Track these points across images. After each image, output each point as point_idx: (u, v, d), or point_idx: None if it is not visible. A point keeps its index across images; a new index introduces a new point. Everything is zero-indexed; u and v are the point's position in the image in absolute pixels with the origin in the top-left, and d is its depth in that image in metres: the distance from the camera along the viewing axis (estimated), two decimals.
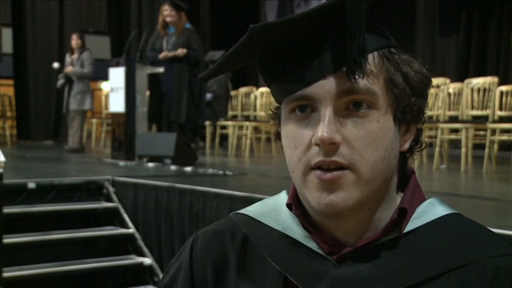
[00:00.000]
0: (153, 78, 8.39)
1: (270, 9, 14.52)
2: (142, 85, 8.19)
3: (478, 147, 7.99)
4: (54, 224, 5.58)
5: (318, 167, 0.98)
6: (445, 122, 7.79)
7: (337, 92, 0.97)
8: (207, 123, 9.78)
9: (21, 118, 13.42)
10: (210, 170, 6.92)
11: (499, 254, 1.00)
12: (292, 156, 1.01)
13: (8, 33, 13.93)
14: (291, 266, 1.05)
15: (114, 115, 8.38)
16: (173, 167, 7.23)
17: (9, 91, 13.52)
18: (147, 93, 8.49)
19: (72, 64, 9.88)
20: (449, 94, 7.98)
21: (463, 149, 7.18)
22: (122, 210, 5.78)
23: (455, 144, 9.01)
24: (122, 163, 7.74)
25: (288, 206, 1.08)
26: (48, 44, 13.53)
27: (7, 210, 5.04)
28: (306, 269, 1.04)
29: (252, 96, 10.18)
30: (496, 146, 7.34)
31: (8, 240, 4.96)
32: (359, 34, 0.96)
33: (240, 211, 1.15)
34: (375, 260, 1.01)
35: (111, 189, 5.93)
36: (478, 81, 7.71)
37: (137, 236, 5.63)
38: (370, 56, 0.99)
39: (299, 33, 0.99)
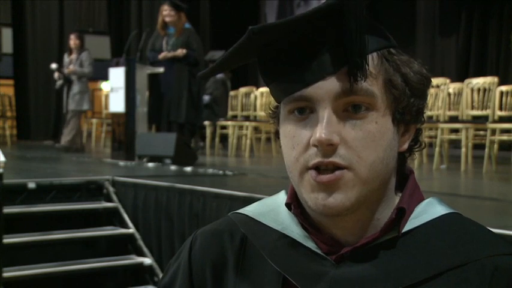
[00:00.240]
0: (152, 78, 8.40)
1: (270, 9, 14.52)
2: (142, 85, 8.19)
3: (478, 147, 7.99)
4: (54, 224, 5.58)
5: (315, 167, 0.98)
6: (445, 122, 7.79)
7: (335, 93, 0.97)
8: (207, 123, 9.78)
9: (21, 118, 13.42)
10: (210, 170, 6.92)
11: (497, 254, 1.00)
12: (290, 156, 1.01)
13: (8, 33, 13.94)
14: (290, 266, 1.05)
15: (114, 115, 8.38)
16: (173, 167, 7.23)
17: (9, 91, 13.52)
18: (147, 93, 8.49)
19: (71, 64, 9.88)
20: (449, 94, 7.98)
21: (463, 149, 7.18)
22: (122, 210, 5.78)
23: (455, 144, 9.01)
24: (122, 163, 7.74)
25: (287, 205, 1.08)
26: (48, 44, 13.53)
27: (7, 210, 5.04)
28: (304, 269, 1.04)
29: (252, 96, 10.18)
30: (496, 146, 7.34)
31: (8, 240, 4.96)
32: (359, 35, 0.96)
33: (239, 211, 1.15)
34: (374, 259, 1.01)
35: (111, 189, 5.93)
36: (478, 81, 7.71)
37: (137, 236, 5.63)
38: (369, 57, 0.99)
39: (298, 34, 0.99)
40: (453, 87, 8.07)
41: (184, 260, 1.14)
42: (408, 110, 1.03)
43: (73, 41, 10.02)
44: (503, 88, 7.57)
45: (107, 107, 11.74)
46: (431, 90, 7.76)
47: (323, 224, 1.04)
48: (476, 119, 7.70)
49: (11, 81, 13.96)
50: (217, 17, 14.58)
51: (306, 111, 1.00)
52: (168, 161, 7.48)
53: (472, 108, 7.67)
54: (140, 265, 5.51)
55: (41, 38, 13.54)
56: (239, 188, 5.29)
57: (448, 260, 1.00)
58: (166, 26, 8.43)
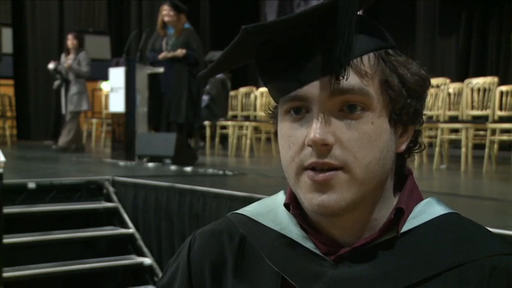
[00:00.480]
0: (152, 78, 8.40)
1: (270, 9, 14.52)
2: (142, 85, 8.19)
3: (478, 147, 7.99)
4: (54, 224, 5.58)
5: (311, 168, 0.98)
6: (445, 122, 7.79)
7: (330, 92, 0.97)
8: (206, 123, 9.78)
9: (21, 118, 13.42)
10: (210, 170, 6.92)
11: (496, 254, 1.00)
12: (286, 156, 1.02)
13: (8, 33, 13.93)
14: (288, 267, 1.05)
15: (114, 115, 8.38)
16: (173, 167, 7.23)
17: (9, 91, 13.52)
18: (147, 93, 8.48)
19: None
20: (449, 94, 7.98)
21: (463, 149, 7.18)
22: (122, 210, 5.78)
23: (455, 144, 9.01)
24: (122, 163, 7.74)
25: (286, 206, 1.08)
26: (48, 44, 13.53)
27: (7, 210, 5.04)
28: (303, 269, 1.04)
29: (252, 96, 10.18)
30: (496, 146, 7.34)
31: (8, 240, 4.96)
32: (347, 34, 0.95)
33: (238, 211, 1.15)
34: (372, 260, 1.01)
35: (111, 189, 5.93)
36: (478, 81, 7.71)
37: (137, 236, 5.63)
38: (365, 57, 0.99)
39: (293, 33, 0.99)
40: (453, 87, 8.07)
41: (183, 260, 1.14)
42: (405, 111, 1.03)
43: (71, 41, 10.02)
44: (503, 88, 7.57)
45: (107, 107, 11.74)
46: (432, 90, 7.76)
47: (322, 224, 1.04)
48: (476, 119, 7.70)
49: (11, 81, 13.96)
50: (217, 17, 14.58)
51: (302, 111, 1.00)
52: (168, 161, 7.48)
53: (472, 108, 7.67)
54: (140, 265, 5.51)
55: (41, 38, 13.54)
56: (239, 188, 5.29)
57: (447, 260, 1.00)
58: (166, 26, 8.43)
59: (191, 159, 7.64)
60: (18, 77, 13.61)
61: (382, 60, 1.01)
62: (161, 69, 8.27)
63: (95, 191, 5.98)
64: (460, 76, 10.42)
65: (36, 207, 5.58)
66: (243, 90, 10.43)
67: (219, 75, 10.20)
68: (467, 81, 7.88)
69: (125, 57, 8.19)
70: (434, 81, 7.75)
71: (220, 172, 6.73)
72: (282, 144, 1.03)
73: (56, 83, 10.09)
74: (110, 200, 5.89)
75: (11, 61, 13.66)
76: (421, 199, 1.08)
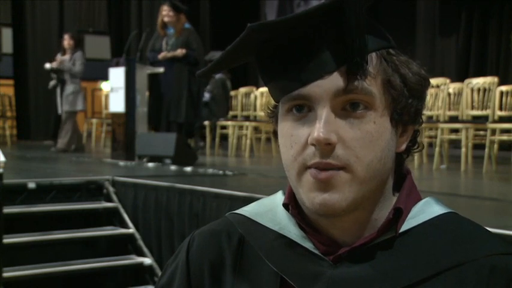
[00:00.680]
0: (152, 78, 8.40)
1: (270, 9, 14.52)
2: (142, 85, 8.20)
3: (478, 147, 7.99)
4: (54, 224, 5.58)
5: (314, 167, 0.98)
6: (445, 122, 7.79)
7: (334, 91, 0.97)
8: (206, 123, 9.78)
9: (21, 118, 13.42)
10: (210, 170, 6.92)
11: (495, 253, 1.00)
12: (287, 155, 1.01)
13: (8, 33, 13.94)
14: (287, 267, 1.05)
15: (114, 115, 8.38)
16: (173, 167, 7.23)
17: (9, 91, 13.52)
18: (147, 93, 8.49)
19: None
20: (449, 94, 7.98)
21: (463, 149, 7.18)
22: (122, 210, 5.78)
23: (455, 144, 9.01)
24: (122, 163, 7.74)
25: (285, 206, 1.08)
26: (48, 44, 13.53)
27: (7, 210, 5.04)
28: (302, 269, 1.04)
29: (252, 96, 10.18)
30: (496, 146, 7.34)
31: (8, 240, 4.96)
32: (359, 34, 0.95)
33: (237, 211, 1.15)
34: (371, 260, 1.01)
35: (111, 189, 5.93)
36: (478, 81, 7.71)
37: (137, 236, 5.63)
38: (368, 57, 0.99)
39: (297, 32, 0.99)
40: (453, 87, 8.07)
41: (182, 261, 1.14)
42: (406, 110, 1.03)
43: (67, 41, 10.02)
44: (503, 88, 7.57)
45: (107, 107, 11.74)
46: (432, 90, 7.76)
47: (320, 224, 1.04)
48: (476, 119, 7.70)
49: (11, 81, 13.96)
50: (217, 17, 14.58)
51: (304, 110, 1.00)
52: (168, 161, 7.48)
53: (472, 108, 7.67)
54: (140, 265, 5.51)
55: (41, 38, 13.54)
56: (239, 188, 5.29)
57: (446, 259, 1.00)
58: (166, 26, 8.43)
59: (191, 159, 7.64)
60: (18, 77, 13.61)
61: (384, 60, 1.01)
62: (161, 69, 8.27)
63: (95, 191, 5.98)
64: (460, 76, 10.42)
65: (36, 207, 5.58)
66: (243, 90, 10.43)
67: (219, 75, 10.19)
68: (467, 81, 7.88)
69: (125, 57, 8.19)
70: (434, 81, 7.75)
71: (220, 172, 6.73)
72: (283, 143, 1.02)
73: (52, 83, 10.09)
74: (110, 200, 5.90)
75: (11, 61, 13.66)
76: (420, 199, 1.08)
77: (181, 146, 7.60)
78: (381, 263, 1.01)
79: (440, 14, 11.89)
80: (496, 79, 7.58)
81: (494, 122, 7.36)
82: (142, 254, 5.57)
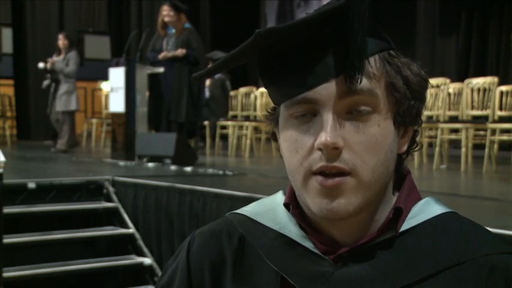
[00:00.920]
0: (152, 78, 8.40)
1: (270, 9, 14.51)
2: (142, 85, 8.20)
3: (478, 147, 7.99)
4: (54, 224, 5.58)
5: (320, 172, 0.98)
6: (445, 122, 7.79)
7: (339, 94, 0.97)
8: (206, 123, 9.78)
9: (21, 118, 13.43)
10: (210, 170, 6.92)
11: (494, 252, 1.00)
12: (292, 160, 1.01)
13: (8, 33, 13.97)
14: (288, 266, 1.05)
15: (114, 115, 8.38)
16: (173, 167, 7.23)
17: (9, 91, 13.53)
18: (147, 93, 8.49)
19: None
20: (449, 94, 7.98)
21: (463, 149, 7.18)
22: (122, 210, 5.78)
23: (455, 144, 9.01)
24: (122, 163, 7.74)
25: (286, 205, 1.09)
26: (48, 44, 13.52)
27: (7, 210, 5.04)
28: (302, 269, 1.04)
29: (252, 96, 10.18)
30: (496, 146, 7.34)
31: (8, 240, 4.96)
32: (359, 38, 0.95)
33: (237, 211, 1.15)
34: (371, 259, 1.02)
35: (111, 189, 5.93)
36: (478, 81, 7.71)
37: (137, 236, 5.63)
38: (371, 59, 0.99)
39: (302, 37, 0.99)
40: (453, 87, 8.07)
41: (182, 260, 1.14)
42: (409, 112, 1.03)
43: (61, 41, 10.01)
44: (503, 88, 7.57)
45: (107, 107, 11.74)
46: (432, 90, 7.77)
47: (321, 224, 1.04)
48: (476, 119, 7.70)
49: (11, 81, 13.96)
50: (217, 17, 14.58)
51: (308, 114, 1.00)
52: (168, 161, 7.48)
53: (472, 108, 7.67)
54: (140, 265, 5.51)
55: (41, 38, 13.55)
56: (239, 188, 5.29)
57: (445, 259, 1.00)
58: (166, 26, 8.43)
59: (191, 159, 7.64)
60: (18, 77, 13.62)
61: (387, 62, 1.01)
62: (161, 69, 8.27)
63: (95, 191, 5.98)
64: (460, 76, 10.42)
65: (36, 207, 5.58)
66: (243, 90, 10.43)
67: (218, 75, 10.19)
68: (467, 81, 7.88)
69: (125, 57, 8.19)
70: (434, 81, 7.76)
71: (220, 172, 6.73)
72: (287, 148, 1.02)
73: (45, 82, 10.08)
74: (110, 200, 5.90)
75: (11, 61, 13.67)
76: (420, 198, 1.08)
77: (181, 146, 7.60)
78: (381, 262, 1.01)
79: (440, 14, 11.89)
80: (496, 79, 7.58)
81: (494, 122, 7.36)
82: (142, 254, 5.57)
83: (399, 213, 1.03)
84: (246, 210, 1.14)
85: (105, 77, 9.09)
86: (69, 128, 9.93)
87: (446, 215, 1.06)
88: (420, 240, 1.02)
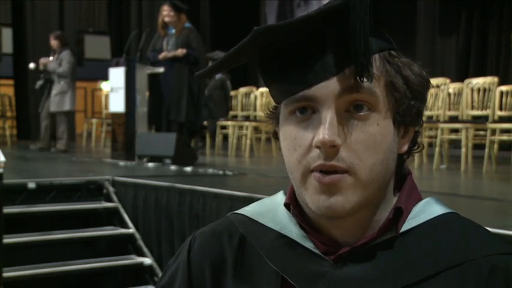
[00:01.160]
0: (152, 78, 8.39)
1: (270, 9, 14.51)
2: (142, 85, 8.20)
3: (478, 147, 7.99)
4: (54, 224, 5.58)
5: (318, 170, 0.98)
6: (445, 122, 7.79)
7: (338, 92, 0.98)
8: (205, 123, 9.77)
9: (21, 118, 13.42)
10: (210, 170, 6.92)
11: (495, 253, 1.00)
12: (291, 158, 1.01)
13: (8, 33, 13.97)
14: (288, 266, 1.05)
15: (114, 115, 8.38)
16: (173, 167, 7.23)
17: (9, 91, 13.53)
18: (147, 93, 8.49)
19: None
20: (449, 94, 7.99)
21: (463, 149, 7.18)
22: (122, 210, 5.78)
23: (455, 144, 9.01)
24: (122, 163, 7.74)
25: (286, 205, 1.09)
26: (48, 44, 13.50)
27: (7, 210, 5.04)
28: (302, 269, 1.04)
29: (252, 96, 10.19)
30: (496, 146, 7.34)
31: (8, 240, 4.96)
32: (364, 36, 0.96)
33: (238, 211, 1.15)
34: (372, 260, 1.02)
35: (111, 189, 5.93)
36: (478, 81, 7.71)
37: (137, 236, 5.63)
38: (372, 58, 0.99)
39: (302, 35, 0.99)
40: (453, 87, 8.07)
41: (183, 261, 1.14)
42: (408, 112, 1.03)
43: (52, 41, 10.01)
44: (503, 88, 7.57)
45: (107, 107, 11.74)
46: (432, 90, 7.76)
47: (322, 224, 1.04)
48: (476, 119, 7.70)
49: (11, 81, 13.96)
50: (217, 17, 14.58)
51: (307, 112, 1.00)
52: (168, 161, 7.48)
53: (472, 108, 7.68)
54: (140, 265, 5.51)
55: (41, 38, 13.53)
56: (239, 188, 5.29)
57: (446, 259, 1.00)
58: (167, 26, 8.43)
59: (191, 159, 7.64)
60: (18, 77, 13.61)
61: (387, 62, 1.01)
62: (161, 69, 8.26)
63: (95, 191, 5.98)
64: (460, 76, 10.42)
65: (36, 207, 5.58)
66: (243, 90, 10.43)
67: (219, 75, 10.19)
68: (467, 81, 7.88)
69: (125, 57, 8.19)
70: (434, 81, 7.75)
71: (220, 172, 6.73)
72: (286, 146, 1.02)
73: (39, 83, 10.07)
74: (110, 200, 5.90)
75: (11, 61, 13.67)
76: (420, 199, 1.08)
77: (181, 146, 7.60)
78: (382, 262, 1.01)
79: (440, 14, 11.90)
80: (496, 79, 7.59)
81: (494, 122, 7.36)
82: (142, 254, 5.57)
83: (400, 214, 1.03)
84: (247, 210, 1.14)
85: (105, 77, 9.09)
86: (65, 129, 9.90)
87: (447, 215, 1.06)
88: (421, 240, 1.02)
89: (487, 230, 1.05)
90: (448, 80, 8.06)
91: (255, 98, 10.06)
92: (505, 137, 7.42)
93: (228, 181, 6.36)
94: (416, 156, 7.11)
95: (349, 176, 0.98)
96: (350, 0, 0.95)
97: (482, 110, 7.57)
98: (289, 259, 1.05)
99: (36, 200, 5.66)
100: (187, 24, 8.47)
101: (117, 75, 8.17)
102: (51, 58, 10.04)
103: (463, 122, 7.50)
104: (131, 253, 5.64)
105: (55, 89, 9.75)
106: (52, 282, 5.32)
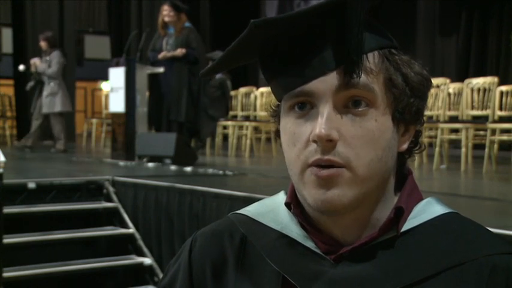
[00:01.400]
0: (152, 78, 8.40)
1: (270, 8, 14.52)
2: (142, 85, 8.20)
3: (478, 147, 7.99)
4: (54, 224, 5.58)
5: (316, 164, 0.98)
6: (445, 122, 7.79)
7: (336, 87, 0.98)
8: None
9: (21, 118, 13.41)
10: (210, 170, 6.92)
11: (495, 253, 1.01)
12: (290, 153, 1.01)
13: (8, 33, 13.96)
14: (289, 266, 1.05)
15: (114, 115, 8.38)
16: (173, 167, 7.23)
17: (9, 91, 13.52)
18: (147, 93, 8.49)
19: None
20: (449, 94, 7.99)
21: (463, 149, 7.18)
22: (122, 210, 5.78)
23: (455, 144, 9.01)
24: (122, 163, 7.74)
25: (287, 205, 1.09)
26: None
27: (7, 210, 5.04)
28: (303, 268, 1.04)
29: (252, 96, 10.19)
30: (496, 146, 7.34)
31: (8, 240, 4.96)
32: (357, 33, 0.96)
33: (239, 211, 1.16)
34: (373, 259, 1.02)
35: (111, 189, 5.93)
36: (478, 81, 7.71)
37: (137, 236, 5.63)
38: (370, 55, 1.00)
39: (300, 29, 0.99)
40: (453, 87, 8.07)
41: (184, 261, 1.14)
42: (408, 109, 1.03)
43: (41, 43, 10.00)
44: (503, 88, 7.58)
45: (107, 107, 11.74)
46: (432, 90, 7.72)
47: (322, 223, 1.04)
48: (476, 119, 7.71)
49: (11, 81, 13.95)
50: (217, 17, 14.59)
51: (306, 107, 1.00)
52: (168, 161, 7.48)
53: (472, 108, 7.68)
54: (140, 265, 5.51)
55: None
56: (239, 188, 5.29)
57: (446, 259, 1.01)
58: (167, 26, 8.43)
59: (191, 159, 7.64)
60: (18, 77, 13.59)
61: (386, 59, 1.02)
62: (161, 69, 8.26)
63: (95, 191, 5.98)
64: (460, 76, 10.43)
65: (36, 207, 5.58)
66: (243, 90, 10.43)
67: (218, 76, 10.19)
68: (467, 81, 7.88)
69: (125, 57, 8.19)
70: (434, 81, 7.70)
71: (220, 172, 6.73)
72: (285, 141, 1.03)
73: (29, 84, 10.05)
74: (110, 200, 5.90)
75: (11, 61, 13.66)
76: (421, 199, 1.08)
77: (181, 146, 7.60)
78: (382, 262, 1.01)
79: (440, 14, 11.90)
80: (496, 79, 7.59)
81: (494, 122, 7.36)
82: (142, 254, 5.57)
83: (400, 213, 1.03)
84: (248, 210, 1.14)
85: (105, 77, 9.09)
86: (63, 127, 9.87)
87: (447, 215, 1.06)
88: (421, 240, 1.02)
89: (487, 230, 1.05)
90: (448, 80, 8.07)
91: (255, 98, 10.06)
92: (505, 137, 7.42)
93: (228, 181, 6.36)
94: (416, 156, 7.09)
95: (346, 171, 0.98)
96: None
97: (482, 110, 7.57)
98: (290, 259, 1.05)
99: (36, 200, 5.66)
100: (187, 24, 8.48)
101: (117, 75, 8.17)
102: (40, 59, 10.01)
103: (463, 122, 7.51)
104: (131, 253, 5.64)
105: (46, 90, 9.72)
106: (52, 282, 5.33)
